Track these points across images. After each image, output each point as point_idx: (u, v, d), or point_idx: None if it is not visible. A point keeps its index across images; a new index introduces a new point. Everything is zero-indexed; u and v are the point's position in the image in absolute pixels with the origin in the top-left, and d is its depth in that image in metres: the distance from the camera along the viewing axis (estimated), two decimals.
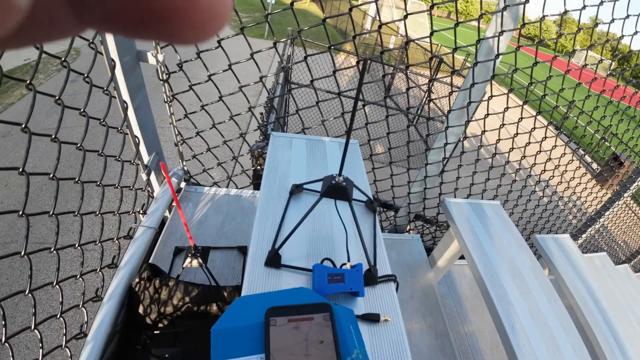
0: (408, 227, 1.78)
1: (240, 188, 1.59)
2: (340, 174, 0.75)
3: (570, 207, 2.53)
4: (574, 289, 1.35)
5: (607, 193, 2.47)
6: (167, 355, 0.85)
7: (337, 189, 0.74)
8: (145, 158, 1.24)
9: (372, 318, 0.69)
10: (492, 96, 1.24)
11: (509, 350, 0.95)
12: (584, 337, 1.19)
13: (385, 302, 0.74)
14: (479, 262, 1.16)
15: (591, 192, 2.37)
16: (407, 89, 1.18)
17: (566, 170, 1.88)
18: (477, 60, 1.14)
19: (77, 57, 6.22)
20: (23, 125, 0.72)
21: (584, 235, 2.46)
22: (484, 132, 1.29)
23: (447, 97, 1.30)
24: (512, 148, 1.41)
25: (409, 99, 1.23)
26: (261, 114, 2.12)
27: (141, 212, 1.25)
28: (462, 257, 1.47)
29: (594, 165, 6.61)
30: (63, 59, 0.82)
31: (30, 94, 0.74)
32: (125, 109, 1.08)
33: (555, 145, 1.61)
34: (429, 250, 1.64)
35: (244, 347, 0.53)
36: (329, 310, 0.57)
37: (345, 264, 0.73)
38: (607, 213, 2.31)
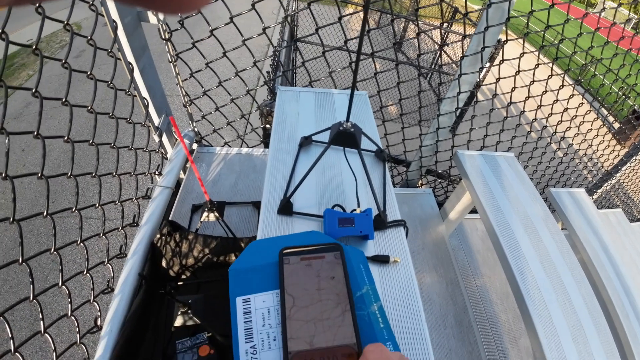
0: (420, 182, 1.78)
1: (251, 147, 1.60)
2: (347, 120, 0.74)
3: (586, 161, 2.47)
4: (587, 243, 1.34)
5: (624, 147, 2.38)
6: (190, 301, 0.90)
7: (345, 136, 0.74)
8: (156, 120, 1.25)
9: (381, 259, 0.71)
10: (507, 40, 1.17)
11: (519, 299, 0.96)
12: (596, 291, 1.19)
13: (394, 246, 0.75)
14: (491, 213, 1.16)
15: (608, 145, 2.29)
16: (418, 34, 1.13)
17: (583, 122, 1.81)
18: (491, 1, 1.07)
19: (79, 31, 6.12)
20: (34, 90, 0.73)
21: (599, 191, 2.41)
22: (498, 79, 1.24)
23: (460, 42, 1.24)
24: (528, 97, 1.36)
25: (419, 44, 1.16)
26: (268, 72, 2.08)
27: (157, 173, 1.28)
28: (473, 211, 1.47)
29: (611, 119, 6.33)
30: (65, 22, 0.82)
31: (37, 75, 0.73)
32: (131, 71, 1.08)
33: (573, 94, 1.54)
34: (440, 206, 1.64)
35: (260, 284, 0.56)
36: (339, 250, 0.59)
37: (355, 209, 0.74)
38: (624, 168, 2.25)
